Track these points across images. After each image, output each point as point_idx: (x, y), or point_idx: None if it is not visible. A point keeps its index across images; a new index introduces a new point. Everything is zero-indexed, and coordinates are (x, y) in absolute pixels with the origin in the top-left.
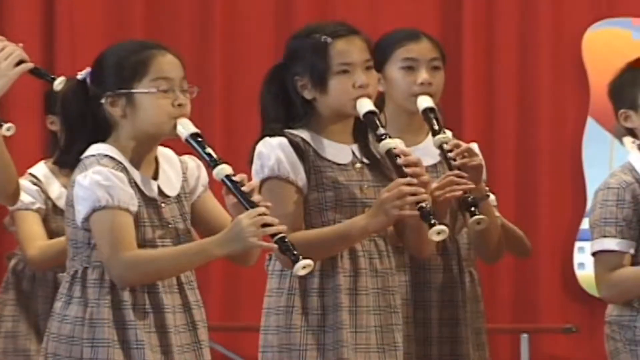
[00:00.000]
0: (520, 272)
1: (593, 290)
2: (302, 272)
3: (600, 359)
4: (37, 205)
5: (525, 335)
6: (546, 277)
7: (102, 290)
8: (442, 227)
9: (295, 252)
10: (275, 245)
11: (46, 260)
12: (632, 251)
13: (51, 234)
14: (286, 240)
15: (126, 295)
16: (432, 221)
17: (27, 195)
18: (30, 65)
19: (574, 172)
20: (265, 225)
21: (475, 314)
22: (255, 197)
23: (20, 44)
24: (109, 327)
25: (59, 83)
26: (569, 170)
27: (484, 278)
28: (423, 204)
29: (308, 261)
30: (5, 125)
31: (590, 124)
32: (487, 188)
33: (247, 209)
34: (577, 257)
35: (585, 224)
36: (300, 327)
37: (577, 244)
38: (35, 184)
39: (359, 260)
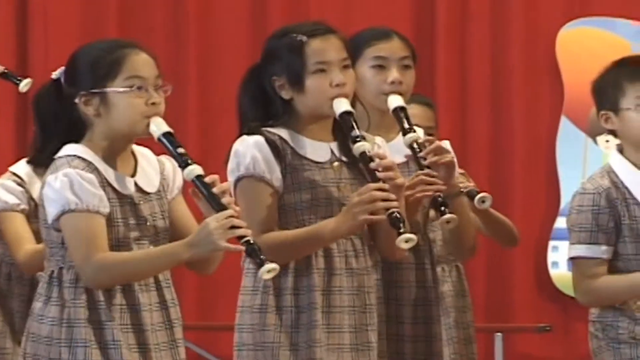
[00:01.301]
0: (494, 271)
1: (567, 290)
2: (267, 276)
3: (575, 357)
4: (22, 206)
5: (499, 335)
6: (520, 276)
7: (77, 290)
8: (411, 235)
9: (261, 256)
10: (242, 248)
11: (36, 264)
12: (606, 256)
13: (35, 234)
14: (252, 243)
15: (101, 295)
16: (401, 229)
17: (12, 195)
18: None
19: (548, 171)
20: (233, 227)
21: (462, 309)
22: (225, 199)
23: None
24: (86, 327)
25: (25, 85)
26: (542, 169)
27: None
28: (393, 210)
29: (273, 265)
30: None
31: (564, 123)
32: (472, 187)
33: (216, 211)
34: (551, 256)
35: (558, 222)
36: (274, 325)
37: (551, 243)
38: (19, 184)
39: (333, 260)
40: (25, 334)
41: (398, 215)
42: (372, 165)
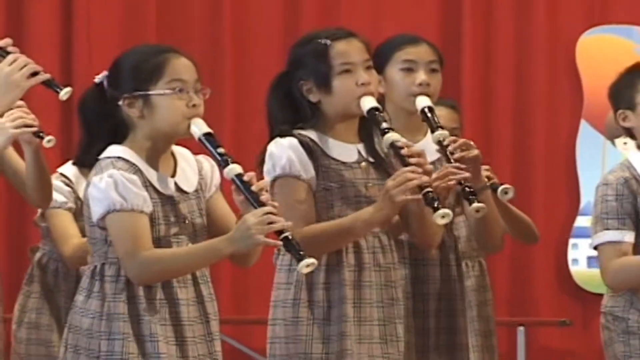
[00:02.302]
0: (517, 268)
1: (586, 285)
2: (306, 270)
3: (593, 350)
4: (69, 205)
5: (521, 328)
6: (541, 273)
7: (118, 285)
8: (446, 210)
9: (300, 251)
10: (281, 242)
11: (82, 257)
12: (631, 241)
13: (80, 231)
14: (291, 238)
15: (141, 290)
16: (436, 204)
17: (60, 194)
18: (43, 77)
19: (568, 172)
20: (271, 223)
21: (484, 303)
22: (263, 197)
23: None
24: (125, 321)
25: (64, 93)
26: (563, 171)
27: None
28: (427, 190)
29: (312, 260)
30: (47, 138)
31: (584, 126)
32: (494, 181)
33: (255, 208)
34: (571, 254)
35: (578, 221)
36: (306, 319)
37: (571, 241)
38: (67, 184)
39: (363, 256)
40: (68, 326)
41: (432, 193)
42: (403, 152)
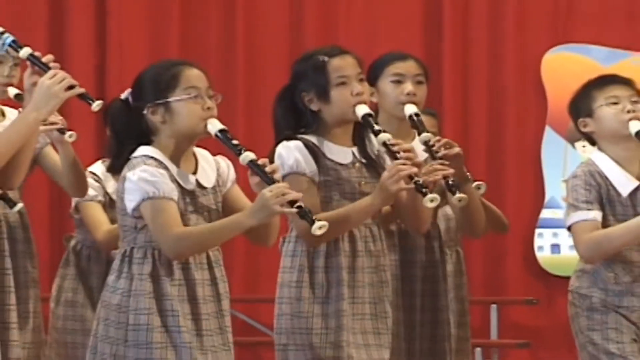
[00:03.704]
0: (490, 254)
1: (550, 269)
2: (319, 232)
3: (556, 325)
4: (99, 198)
5: (494, 306)
6: (511, 258)
7: (144, 267)
8: (434, 195)
9: (312, 216)
10: (295, 210)
11: (112, 241)
12: (600, 219)
13: (109, 221)
14: (303, 206)
15: (163, 271)
16: (425, 191)
17: (91, 189)
18: (78, 90)
19: (535, 171)
20: (284, 194)
21: (459, 286)
22: (277, 176)
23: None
24: (150, 298)
25: (96, 105)
26: (530, 170)
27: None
28: (417, 179)
29: (323, 222)
30: (68, 133)
31: (548, 131)
32: (469, 174)
33: (269, 185)
34: (537, 241)
35: (543, 214)
36: (308, 298)
37: (537, 231)
38: (96, 180)
39: (356, 243)
40: (100, 302)
41: (421, 181)
42: (394, 148)
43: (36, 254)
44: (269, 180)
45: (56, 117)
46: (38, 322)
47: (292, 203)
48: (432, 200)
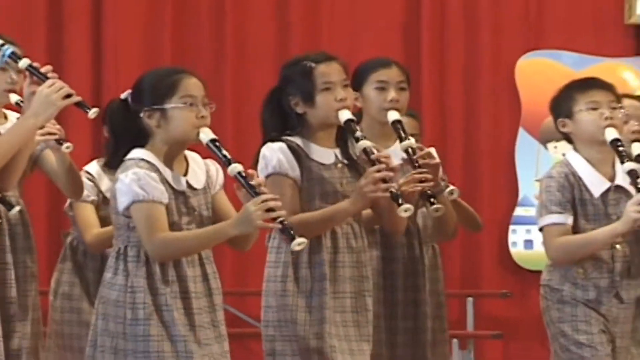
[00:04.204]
0: (467, 249)
1: (523, 263)
2: (298, 248)
3: (529, 316)
4: (92, 198)
5: (470, 299)
6: (487, 253)
7: (139, 264)
8: (408, 205)
9: (292, 233)
10: (278, 226)
11: (100, 245)
12: (570, 223)
13: (102, 219)
14: (285, 222)
15: (157, 268)
16: (400, 201)
17: (85, 189)
18: (75, 99)
19: (509, 170)
20: (269, 210)
21: (435, 280)
22: (262, 189)
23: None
24: (145, 293)
25: (92, 113)
26: (504, 169)
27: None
28: (392, 188)
29: (303, 239)
30: (65, 145)
31: (522, 133)
32: (444, 182)
33: (254, 197)
34: (511, 238)
35: (517, 211)
36: (293, 292)
37: (511, 227)
38: (90, 180)
39: (338, 240)
40: (98, 298)
41: (397, 191)
42: (372, 157)
43: (35, 250)
44: (254, 193)
45: (54, 127)
46: (37, 314)
47: (275, 218)
48: (406, 210)
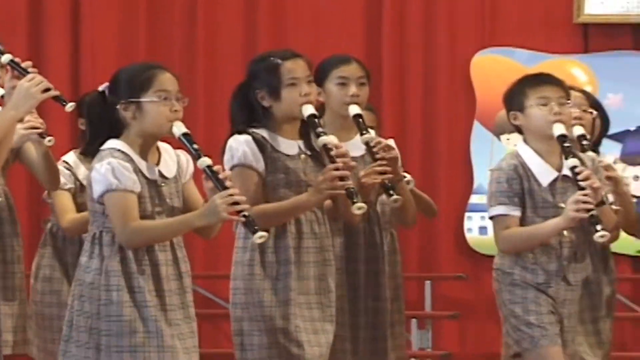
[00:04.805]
0: (425, 235)
1: (478, 248)
2: (259, 241)
3: (482, 298)
4: (69, 186)
5: (428, 282)
6: (444, 238)
7: (113, 248)
8: (362, 204)
9: (255, 226)
10: (242, 219)
11: (75, 229)
12: (518, 214)
13: (79, 206)
14: (248, 216)
15: (131, 253)
16: (355, 199)
17: (62, 177)
18: (53, 92)
19: (464, 161)
20: (233, 203)
21: (394, 264)
22: (228, 183)
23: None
24: (119, 276)
25: (69, 107)
26: (460, 160)
27: (398, 237)
28: (348, 186)
29: (263, 233)
30: (47, 138)
31: (476, 126)
32: (403, 173)
33: (220, 191)
34: (466, 224)
35: (472, 199)
36: (259, 275)
37: (466, 214)
38: (67, 168)
39: (302, 226)
40: (75, 280)
41: (352, 189)
42: (332, 153)
43: (20, 234)
44: (221, 186)
45: (37, 121)
46: (23, 295)
47: (239, 211)
48: (359, 209)
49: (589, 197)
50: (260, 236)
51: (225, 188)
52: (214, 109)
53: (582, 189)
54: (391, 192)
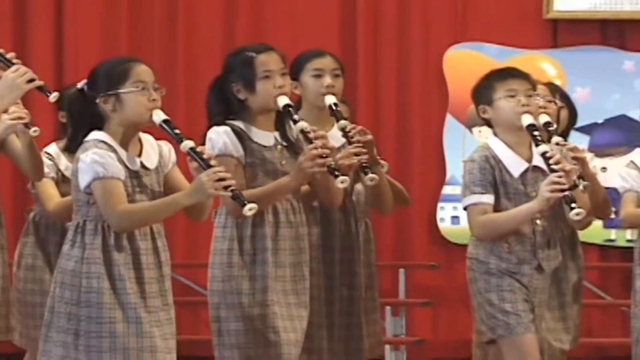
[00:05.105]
0: (399, 224)
1: (450, 237)
2: (249, 213)
3: (455, 286)
4: (52, 175)
5: (402, 270)
6: (417, 228)
7: (95, 237)
8: (344, 177)
9: (243, 199)
10: (229, 194)
11: (61, 212)
12: (492, 202)
13: (62, 196)
14: (235, 190)
15: (112, 241)
16: (336, 173)
17: (45, 167)
18: (37, 83)
19: (437, 152)
20: (219, 180)
21: (368, 252)
22: (213, 162)
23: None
24: (100, 264)
25: (53, 97)
26: (433, 151)
27: (373, 227)
28: (329, 163)
29: (253, 204)
30: (33, 129)
31: (449, 118)
32: (379, 157)
33: (206, 169)
34: (439, 214)
35: (445, 190)
36: (237, 263)
37: (439, 204)
38: (50, 159)
39: (279, 215)
40: (57, 268)
41: (333, 165)
42: (310, 135)
43: (4, 224)
44: (205, 165)
45: (23, 111)
46: (6, 283)
47: (226, 187)
48: (342, 182)
49: (562, 178)
50: (250, 208)
51: (210, 167)
52: (194, 104)
53: (555, 172)
54: (367, 171)
